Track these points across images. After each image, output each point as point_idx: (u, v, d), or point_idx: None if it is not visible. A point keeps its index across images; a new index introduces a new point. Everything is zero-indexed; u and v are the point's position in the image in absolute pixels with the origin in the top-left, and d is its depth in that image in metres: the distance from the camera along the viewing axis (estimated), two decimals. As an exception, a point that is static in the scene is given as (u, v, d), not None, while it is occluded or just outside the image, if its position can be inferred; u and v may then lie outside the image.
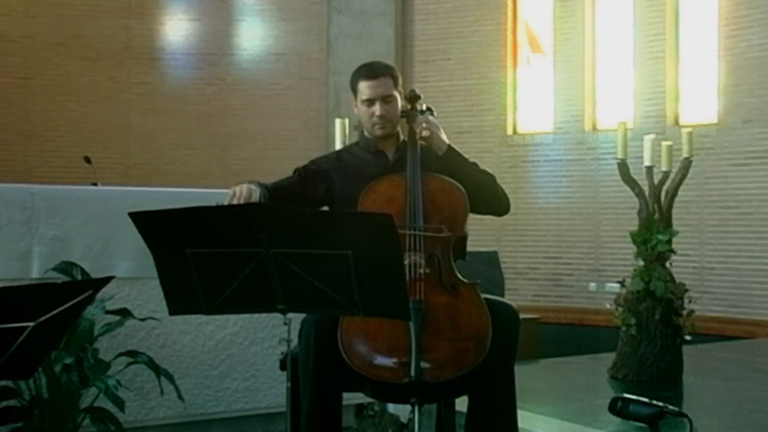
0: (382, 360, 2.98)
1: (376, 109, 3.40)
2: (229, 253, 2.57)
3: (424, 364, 2.90)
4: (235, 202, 3.18)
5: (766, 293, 9.38)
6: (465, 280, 3.17)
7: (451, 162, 3.36)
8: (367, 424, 4.73)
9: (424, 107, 3.54)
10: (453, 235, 3.22)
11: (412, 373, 2.88)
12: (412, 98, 3.52)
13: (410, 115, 3.48)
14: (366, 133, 3.53)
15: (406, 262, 3.08)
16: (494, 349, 3.03)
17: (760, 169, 9.48)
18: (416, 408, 2.93)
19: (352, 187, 3.32)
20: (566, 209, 10.65)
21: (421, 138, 3.34)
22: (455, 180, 3.33)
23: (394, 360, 2.96)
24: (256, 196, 3.22)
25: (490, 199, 3.42)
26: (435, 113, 3.56)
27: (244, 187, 3.25)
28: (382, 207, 3.17)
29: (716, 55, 9.93)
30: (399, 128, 3.52)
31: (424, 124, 3.34)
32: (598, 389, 6.23)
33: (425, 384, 2.91)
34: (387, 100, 3.41)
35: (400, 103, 3.47)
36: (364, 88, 3.41)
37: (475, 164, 3.45)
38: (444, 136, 3.39)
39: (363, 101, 3.43)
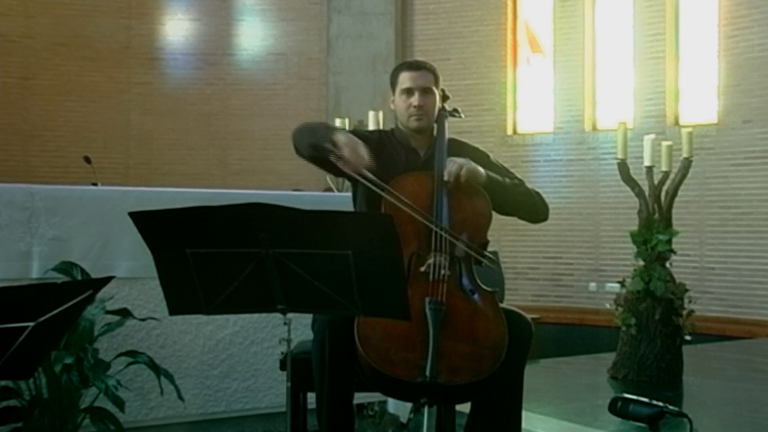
0: (397, 357, 2.95)
1: (415, 99, 3.36)
2: (229, 253, 2.57)
3: (439, 366, 2.88)
4: (345, 160, 3.07)
5: (766, 293, 9.38)
6: (484, 287, 3.16)
7: (490, 190, 3.29)
8: (367, 424, 4.73)
9: (452, 108, 3.55)
10: (473, 246, 3.20)
11: (427, 373, 2.87)
12: (442, 98, 3.51)
13: (440, 114, 3.47)
14: (401, 127, 3.49)
15: (430, 261, 3.09)
16: (507, 357, 3.01)
17: (760, 169, 9.48)
18: (426, 408, 2.92)
19: (381, 174, 3.21)
20: (566, 209, 10.64)
21: (459, 182, 3.22)
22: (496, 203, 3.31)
23: (410, 358, 2.93)
24: (367, 163, 3.11)
25: (529, 213, 3.45)
26: (462, 114, 3.55)
27: (364, 154, 3.10)
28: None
29: (716, 55, 9.93)
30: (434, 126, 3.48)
31: (454, 171, 3.21)
32: (598, 389, 6.23)
33: (438, 386, 2.89)
34: (426, 92, 3.38)
35: (438, 102, 3.44)
36: (405, 78, 3.39)
37: (513, 182, 3.40)
38: (475, 166, 3.26)
39: (402, 90, 3.39)
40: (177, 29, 11.85)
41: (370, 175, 3.11)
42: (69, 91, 11.40)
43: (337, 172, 3.30)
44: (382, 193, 3.14)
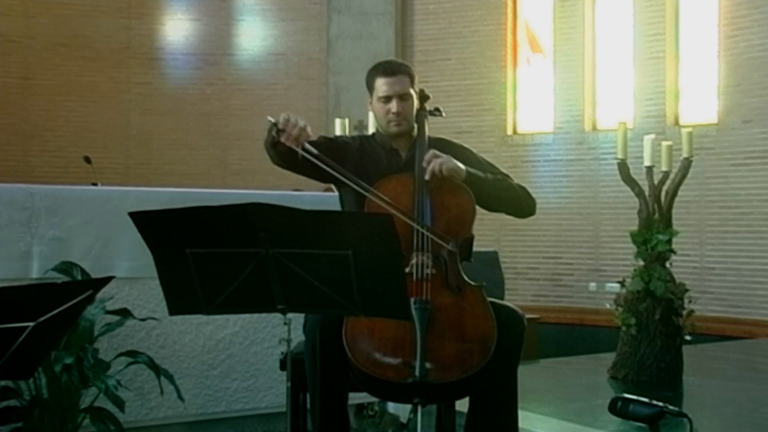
0: (386, 359, 2.96)
1: (393, 106, 3.35)
2: (229, 253, 2.57)
3: (428, 365, 2.88)
4: (286, 131, 3.04)
5: (766, 293, 9.38)
6: (471, 282, 3.16)
7: (472, 186, 3.29)
8: (367, 424, 4.73)
9: (432, 108, 3.54)
10: (456, 250, 3.18)
11: (417, 373, 2.87)
12: (422, 98, 3.50)
13: (420, 114, 3.46)
14: (381, 130, 3.49)
15: (413, 261, 3.08)
16: (499, 352, 3.02)
17: (760, 169, 9.48)
18: (419, 408, 2.92)
19: (365, 179, 3.23)
20: (566, 209, 10.65)
21: (439, 176, 3.22)
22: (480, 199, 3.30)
23: (399, 359, 2.94)
24: (307, 134, 3.09)
25: (514, 207, 3.43)
26: (444, 113, 3.55)
27: (301, 122, 3.08)
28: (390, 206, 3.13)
29: (716, 55, 9.93)
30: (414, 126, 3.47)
31: (435, 166, 3.20)
32: (598, 389, 6.23)
33: (429, 385, 2.89)
34: (404, 97, 3.37)
35: (416, 101, 3.43)
36: (382, 84, 3.38)
37: (496, 177, 3.40)
38: (456, 163, 3.27)
39: (379, 98, 3.39)
40: (177, 29, 11.85)
41: (315, 151, 3.10)
42: (69, 91, 11.40)
43: (320, 176, 3.29)
44: (340, 177, 3.14)
